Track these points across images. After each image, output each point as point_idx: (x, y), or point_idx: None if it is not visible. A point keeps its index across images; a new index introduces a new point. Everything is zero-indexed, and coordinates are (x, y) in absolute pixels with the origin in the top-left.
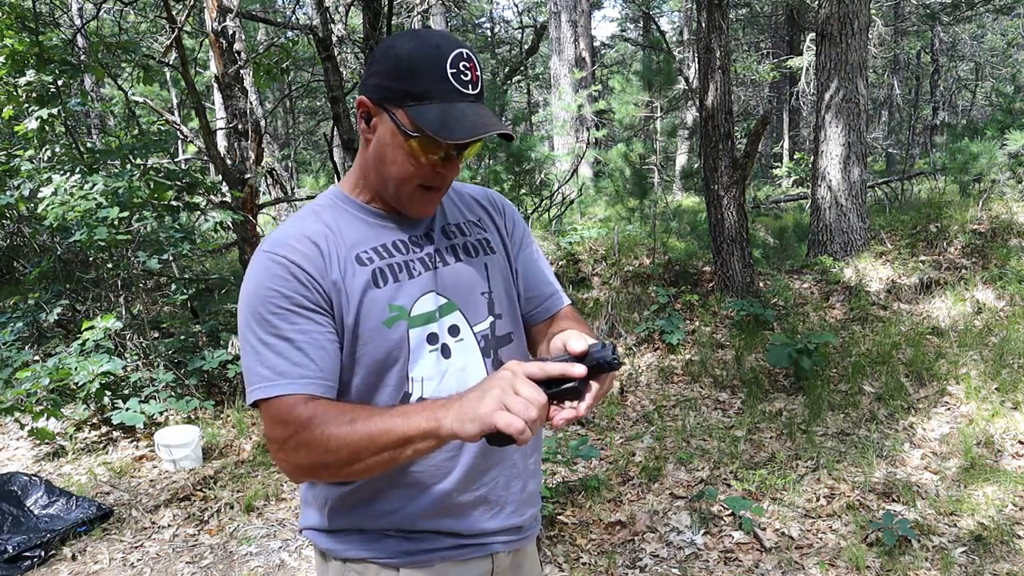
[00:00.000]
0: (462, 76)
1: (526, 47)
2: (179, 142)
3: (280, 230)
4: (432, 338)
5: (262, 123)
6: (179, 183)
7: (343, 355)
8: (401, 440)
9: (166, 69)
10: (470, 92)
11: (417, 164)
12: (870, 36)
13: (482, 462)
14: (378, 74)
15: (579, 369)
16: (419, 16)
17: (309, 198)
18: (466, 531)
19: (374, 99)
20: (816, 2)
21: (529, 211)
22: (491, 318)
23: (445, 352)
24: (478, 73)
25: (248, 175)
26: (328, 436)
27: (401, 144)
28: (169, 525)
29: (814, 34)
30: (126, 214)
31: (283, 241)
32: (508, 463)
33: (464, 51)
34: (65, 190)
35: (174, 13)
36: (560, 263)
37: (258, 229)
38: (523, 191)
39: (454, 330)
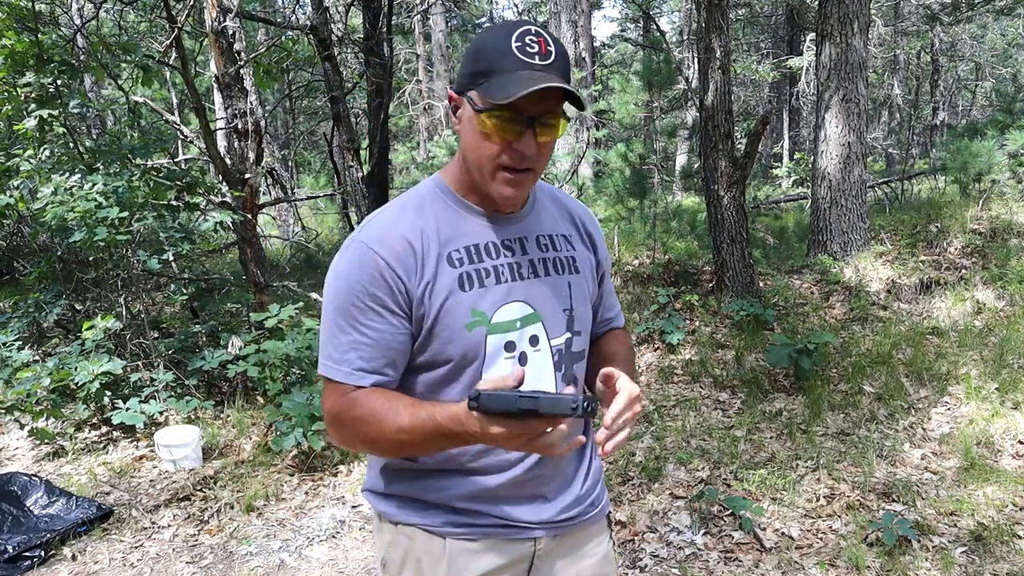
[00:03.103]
0: (528, 48)
1: None
2: (179, 142)
3: (381, 220)
4: (510, 346)
5: (262, 123)
6: (179, 183)
7: (417, 349)
8: (438, 444)
9: (166, 69)
10: (536, 62)
11: (490, 141)
12: (870, 36)
13: (537, 466)
14: (461, 67)
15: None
16: (419, 16)
17: (309, 198)
18: (511, 518)
19: (456, 90)
20: (816, 2)
21: None
22: (568, 334)
23: (522, 360)
24: (549, 47)
25: (248, 175)
26: (365, 432)
27: (475, 124)
28: (169, 525)
29: (814, 34)
30: (126, 214)
31: (381, 236)
32: (564, 465)
33: (532, 27)
34: (65, 190)
35: (174, 13)
36: None
37: (258, 229)
38: None
39: (534, 340)
